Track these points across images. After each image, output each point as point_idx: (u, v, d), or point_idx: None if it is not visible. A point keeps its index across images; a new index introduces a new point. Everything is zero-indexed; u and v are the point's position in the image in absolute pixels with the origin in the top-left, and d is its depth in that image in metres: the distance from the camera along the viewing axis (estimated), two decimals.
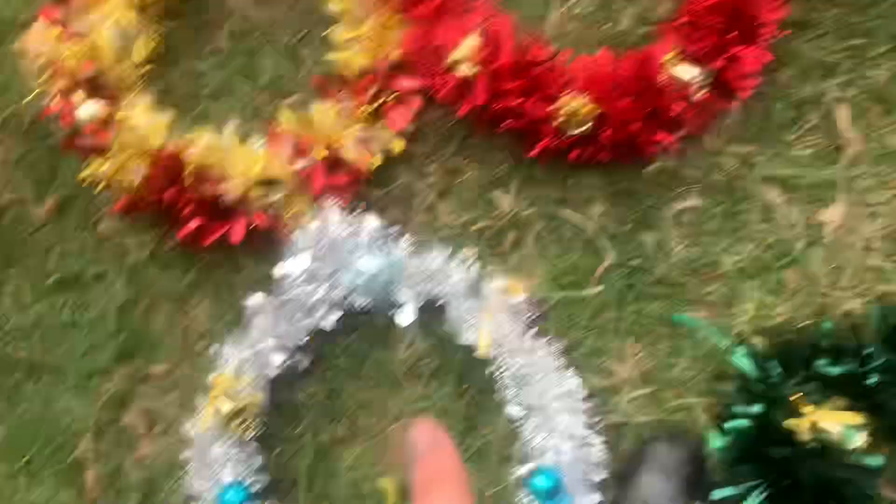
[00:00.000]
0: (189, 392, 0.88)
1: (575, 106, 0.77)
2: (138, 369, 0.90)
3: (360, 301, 0.83)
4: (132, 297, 0.91)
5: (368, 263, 0.81)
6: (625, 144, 0.80)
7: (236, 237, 0.85)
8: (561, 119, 0.78)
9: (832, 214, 0.81)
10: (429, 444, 0.38)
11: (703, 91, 0.80)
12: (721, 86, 0.80)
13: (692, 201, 0.83)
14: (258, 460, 0.83)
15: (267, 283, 0.87)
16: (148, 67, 0.92)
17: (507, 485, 0.81)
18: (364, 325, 0.87)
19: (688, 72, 0.79)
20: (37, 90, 0.89)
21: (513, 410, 0.81)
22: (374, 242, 0.83)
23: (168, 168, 0.83)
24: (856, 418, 0.70)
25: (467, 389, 0.85)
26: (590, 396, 0.81)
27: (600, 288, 0.84)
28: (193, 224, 0.84)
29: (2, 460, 0.90)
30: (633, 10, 0.87)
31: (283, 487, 0.85)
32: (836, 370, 0.72)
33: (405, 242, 0.84)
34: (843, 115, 0.82)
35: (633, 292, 0.83)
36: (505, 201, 0.86)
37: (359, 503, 0.85)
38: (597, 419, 0.80)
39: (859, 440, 0.70)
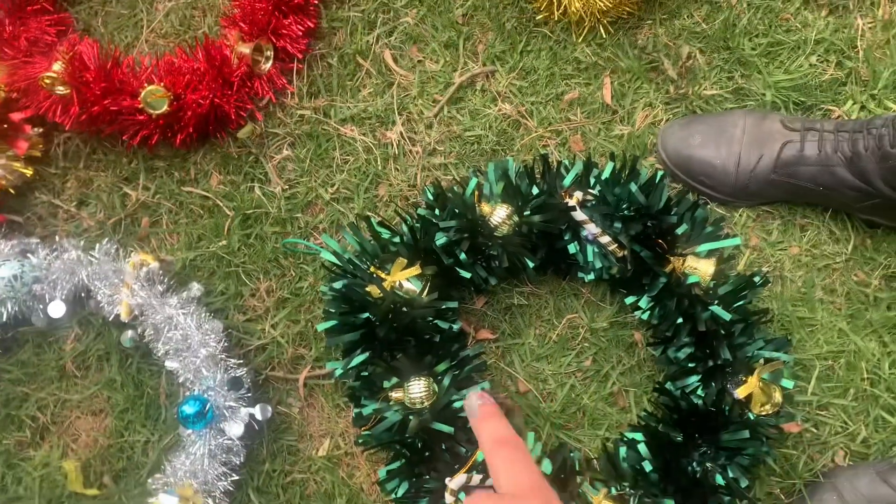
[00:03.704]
0: None
1: (150, 90, 0.92)
2: None
3: (8, 307, 0.92)
4: None
5: (5, 270, 0.90)
6: (211, 120, 0.95)
7: None
8: (143, 105, 0.92)
9: (394, 133, 0.98)
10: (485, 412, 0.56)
11: (270, 62, 0.97)
12: (282, 54, 0.98)
13: (286, 151, 0.99)
14: None
15: None
16: None
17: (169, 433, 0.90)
18: (25, 333, 0.95)
19: (246, 47, 0.96)
20: None
21: (170, 364, 0.91)
22: (13, 254, 0.93)
23: None
24: (416, 271, 0.85)
25: (132, 361, 0.94)
26: (235, 329, 0.92)
27: (224, 242, 0.96)
28: None
29: None
30: (210, 18, 1.04)
31: None
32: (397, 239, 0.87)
33: (45, 249, 0.93)
34: (387, 56, 1.01)
35: (254, 236, 0.97)
36: (133, 194, 0.98)
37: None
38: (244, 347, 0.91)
39: (420, 286, 0.85)
